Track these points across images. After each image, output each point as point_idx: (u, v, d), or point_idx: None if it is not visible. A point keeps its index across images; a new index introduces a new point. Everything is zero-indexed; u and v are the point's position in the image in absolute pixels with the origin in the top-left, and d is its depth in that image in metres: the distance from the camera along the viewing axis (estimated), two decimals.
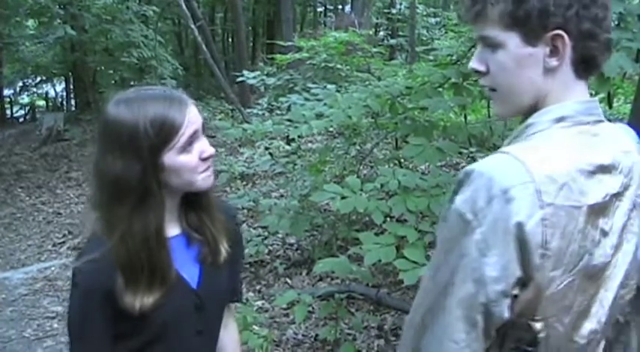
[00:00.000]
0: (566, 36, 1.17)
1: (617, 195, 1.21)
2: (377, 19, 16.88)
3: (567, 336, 1.21)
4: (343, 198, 3.65)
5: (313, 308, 4.76)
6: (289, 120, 4.85)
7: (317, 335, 4.50)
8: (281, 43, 9.31)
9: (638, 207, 1.27)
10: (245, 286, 5.60)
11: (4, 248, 8.11)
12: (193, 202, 1.61)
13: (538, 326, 1.16)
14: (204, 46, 10.55)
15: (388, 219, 4.14)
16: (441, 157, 3.90)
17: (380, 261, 3.30)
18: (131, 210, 1.46)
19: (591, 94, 1.30)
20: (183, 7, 10.15)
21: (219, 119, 11.98)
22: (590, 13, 1.17)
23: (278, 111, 8.14)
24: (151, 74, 13.84)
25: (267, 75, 8.22)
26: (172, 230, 1.58)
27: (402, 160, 6.11)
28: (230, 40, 21.61)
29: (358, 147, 6.76)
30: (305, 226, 5.19)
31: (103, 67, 15.62)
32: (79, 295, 1.50)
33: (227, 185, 8.48)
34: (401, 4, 15.72)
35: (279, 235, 6.51)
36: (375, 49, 7.67)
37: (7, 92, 20.51)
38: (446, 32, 11.17)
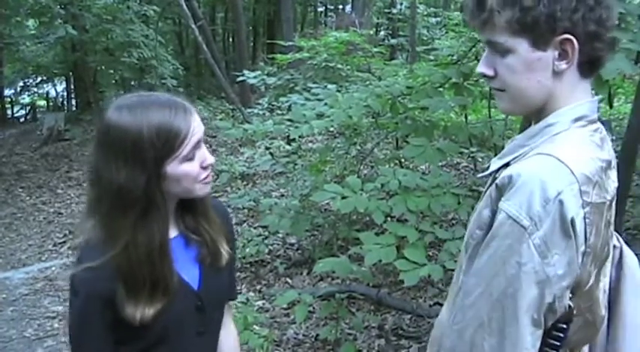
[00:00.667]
0: (574, 39, 1.18)
1: (616, 188, 1.27)
2: (377, 18, 16.87)
3: (592, 323, 1.27)
4: (344, 197, 3.65)
5: (314, 308, 4.76)
6: (290, 120, 4.85)
7: (317, 335, 4.50)
8: (281, 42, 9.30)
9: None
10: (245, 286, 5.60)
11: (5, 248, 8.11)
12: (189, 206, 1.60)
13: (573, 303, 1.18)
14: (204, 46, 10.55)
15: (389, 218, 4.14)
16: (442, 157, 3.90)
17: (380, 261, 3.30)
18: (135, 221, 1.43)
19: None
20: (184, 6, 10.15)
21: (220, 119, 11.98)
22: (595, 14, 1.18)
23: (278, 111, 8.14)
24: (152, 74, 13.83)
25: (268, 75, 8.21)
26: (171, 232, 1.56)
27: (403, 160, 6.11)
28: (230, 39, 21.61)
29: (359, 147, 6.76)
30: (305, 226, 5.19)
31: (103, 67, 15.60)
32: (79, 301, 1.47)
33: (227, 185, 8.49)
34: (401, 3, 15.69)
35: (280, 235, 6.52)
36: (375, 49, 7.67)
37: (7, 92, 20.55)
38: (446, 32, 11.16)
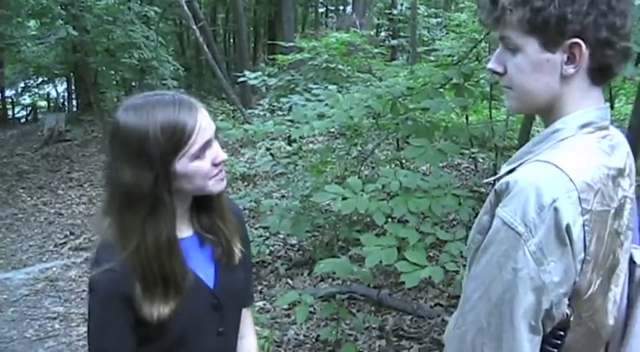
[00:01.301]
0: (583, 44, 1.18)
1: (626, 197, 1.26)
2: (378, 19, 16.84)
3: (596, 333, 1.25)
4: (344, 198, 3.65)
5: (314, 308, 4.76)
6: (290, 120, 4.86)
7: (318, 335, 4.50)
8: (282, 43, 9.31)
9: (633, 204, 1.30)
10: None
11: (6, 248, 8.12)
12: (205, 205, 1.60)
13: (569, 311, 1.18)
14: (205, 47, 10.55)
15: (389, 219, 4.14)
16: (443, 158, 3.90)
17: (381, 262, 3.30)
18: (143, 219, 1.44)
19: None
20: (185, 7, 10.15)
21: (221, 120, 11.96)
22: (607, 20, 1.17)
23: (279, 112, 8.13)
24: (152, 75, 13.83)
25: (269, 75, 8.21)
26: (185, 232, 1.57)
27: (404, 161, 6.11)
28: (231, 40, 21.61)
29: (359, 148, 6.76)
30: (306, 227, 5.18)
31: (104, 68, 15.59)
32: (98, 303, 1.48)
33: (228, 185, 8.47)
34: (402, 4, 15.69)
35: (281, 236, 6.52)
36: (376, 50, 7.68)
37: (8, 93, 20.57)
38: (447, 33, 11.16)
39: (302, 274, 5.78)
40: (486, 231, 1.20)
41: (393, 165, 6.31)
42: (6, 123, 18.95)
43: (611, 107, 4.23)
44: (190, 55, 20.59)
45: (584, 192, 1.13)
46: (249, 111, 9.02)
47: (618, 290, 1.28)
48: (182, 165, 1.44)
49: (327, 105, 4.76)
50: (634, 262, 1.32)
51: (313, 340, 4.56)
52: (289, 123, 4.85)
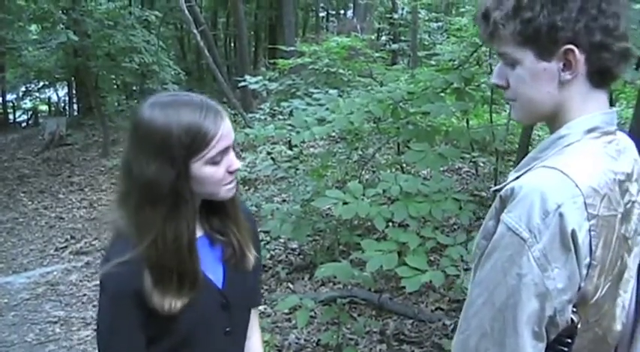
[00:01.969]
0: (576, 50, 1.18)
1: (634, 202, 1.25)
2: (379, 23, 16.86)
3: (603, 338, 1.25)
4: (345, 203, 3.65)
5: (315, 313, 4.76)
6: (291, 125, 4.86)
7: (319, 340, 4.49)
8: (283, 47, 9.33)
9: None
10: None
11: (7, 252, 8.11)
12: (216, 208, 1.62)
13: (576, 318, 1.18)
14: (206, 51, 10.59)
15: (390, 224, 4.14)
16: (443, 163, 3.90)
17: (382, 267, 3.30)
18: (165, 215, 1.45)
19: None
20: (186, 12, 10.18)
21: None
22: (599, 24, 1.18)
23: (280, 116, 8.15)
24: (153, 79, 13.87)
25: (270, 80, 8.23)
26: (196, 232, 1.57)
27: (404, 165, 6.11)
28: (232, 44, 21.64)
29: (360, 152, 6.76)
30: (307, 231, 5.18)
31: (105, 72, 15.62)
32: (108, 300, 1.49)
33: None
34: (403, 8, 15.71)
35: (281, 240, 6.51)
36: (377, 54, 7.71)
37: (9, 97, 20.59)
38: (448, 37, 11.17)
39: (303, 278, 5.78)
40: (491, 236, 1.21)
41: (393, 170, 6.32)
42: (7, 127, 18.94)
43: None
44: (191, 59, 20.63)
45: (590, 197, 1.13)
46: (250, 115, 9.04)
47: (627, 295, 1.28)
48: (197, 167, 1.46)
49: (327, 109, 4.76)
50: None
51: (314, 344, 4.55)
52: (290, 128, 4.86)
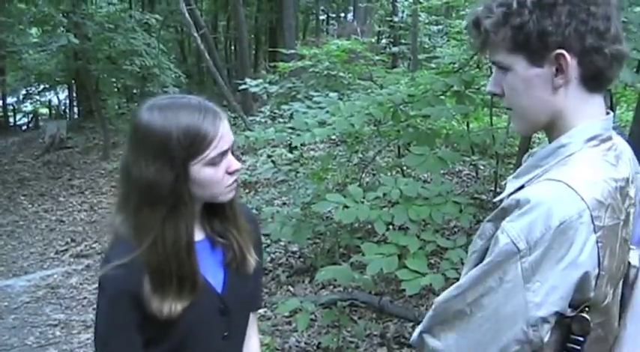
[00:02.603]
0: (567, 54, 1.19)
1: (632, 203, 1.26)
2: (379, 26, 16.87)
3: (605, 338, 1.26)
4: (345, 207, 3.65)
5: (315, 316, 4.76)
6: (292, 127, 4.86)
7: (319, 343, 4.49)
8: (283, 50, 9.32)
9: (637, 208, 1.31)
10: None
11: (7, 255, 8.12)
12: (217, 211, 1.62)
13: (589, 317, 1.18)
14: (206, 54, 10.59)
15: (390, 227, 4.14)
16: (443, 166, 3.91)
17: (382, 270, 3.30)
18: (164, 217, 1.46)
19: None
20: (186, 15, 10.18)
21: None
22: (589, 27, 1.18)
23: (280, 119, 8.13)
24: (154, 82, 13.88)
25: (270, 83, 8.23)
26: (196, 235, 1.57)
27: (405, 168, 6.11)
28: (232, 47, 21.66)
29: (360, 155, 6.77)
30: (307, 234, 5.19)
31: (105, 75, 15.65)
32: (106, 301, 1.49)
33: None
34: (403, 12, 15.74)
35: (282, 243, 6.51)
36: (377, 57, 7.70)
37: (10, 100, 20.60)
38: (448, 40, 11.17)
39: (303, 281, 5.78)
40: (487, 237, 1.23)
41: (394, 172, 6.31)
42: (7, 130, 18.97)
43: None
44: (191, 63, 20.65)
45: (596, 210, 1.13)
46: (251, 118, 9.03)
47: (619, 291, 1.29)
48: (196, 169, 1.46)
49: (328, 112, 4.77)
50: (629, 263, 1.32)
51: (314, 347, 4.55)
52: (290, 131, 4.86)
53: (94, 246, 8.10)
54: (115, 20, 13.49)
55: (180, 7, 10.21)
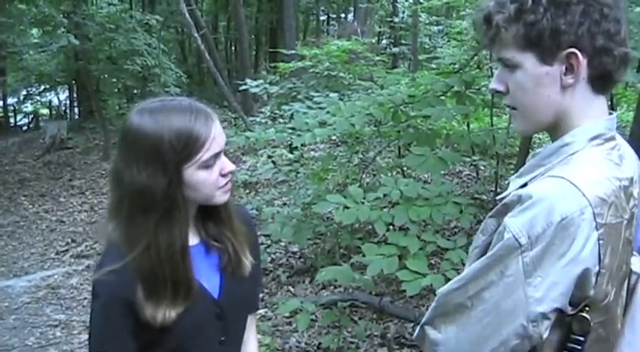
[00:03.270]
0: (579, 53, 1.18)
1: (636, 205, 1.25)
2: (379, 27, 16.88)
3: (606, 338, 1.25)
4: (346, 208, 3.65)
5: (316, 316, 4.76)
6: (292, 128, 4.86)
7: (320, 343, 4.49)
8: (284, 51, 9.32)
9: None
10: None
11: (8, 256, 8.12)
12: (211, 214, 1.60)
13: (589, 316, 1.19)
14: (207, 55, 10.60)
15: (391, 227, 4.14)
16: (444, 166, 3.91)
17: (382, 271, 3.30)
18: (157, 223, 1.43)
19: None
20: (187, 15, 10.19)
21: (222, 127, 11.98)
22: (602, 28, 1.18)
23: (281, 120, 8.13)
24: (154, 82, 13.87)
25: (270, 83, 8.23)
26: (191, 239, 1.55)
27: (405, 168, 6.11)
28: (233, 48, 21.67)
29: (361, 156, 6.76)
30: (308, 234, 5.19)
31: (106, 76, 15.66)
32: (99, 306, 1.48)
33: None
34: (403, 12, 15.74)
35: (282, 243, 6.52)
36: (377, 58, 7.69)
37: (10, 100, 20.59)
38: (448, 40, 11.19)
39: (303, 282, 5.78)
40: (489, 232, 1.24)
41: (394, 173, 6.32)
42: (8, 130, 18.97)
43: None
44: (192, 63, 20.65)
45: (598, 207, 1.13)
46: (251, 118, 9.04)
47: (624, 293, 1.29)
48: (189, 173, 1.44)
49: (328, 112, 4.77)
50: (631, 270, 1.32)
51: (315, 348, 4.55)
52: (291, 131, 4.86)
53: (94, 246, 8.10)
54: (116, 21, 13.51)
55: (180, 7, 10.22)
